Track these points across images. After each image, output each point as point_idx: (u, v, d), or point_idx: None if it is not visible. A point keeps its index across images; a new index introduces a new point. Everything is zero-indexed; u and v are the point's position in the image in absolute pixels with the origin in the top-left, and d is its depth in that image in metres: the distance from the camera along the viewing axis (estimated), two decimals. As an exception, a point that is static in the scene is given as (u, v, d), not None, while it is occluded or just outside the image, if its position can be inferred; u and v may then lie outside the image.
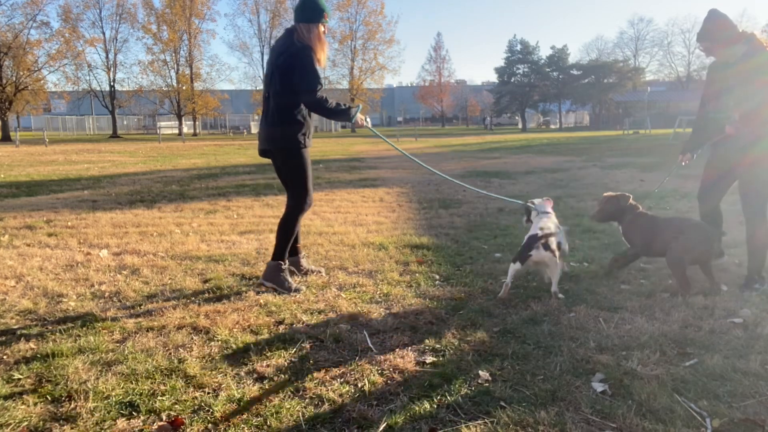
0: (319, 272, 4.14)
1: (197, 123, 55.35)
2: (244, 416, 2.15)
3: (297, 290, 3.71)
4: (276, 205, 7.44)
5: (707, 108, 3.84)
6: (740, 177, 3.68)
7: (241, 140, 35.79)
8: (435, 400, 2.27)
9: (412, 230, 5.65)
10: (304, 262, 4.14)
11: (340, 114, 3.72)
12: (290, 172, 3.81)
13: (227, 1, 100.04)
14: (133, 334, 2.97)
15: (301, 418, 2.14)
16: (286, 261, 3.84)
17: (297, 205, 3.82)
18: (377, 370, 2.53)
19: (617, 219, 3.97)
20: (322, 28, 3.75)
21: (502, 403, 2.22)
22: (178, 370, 2.53)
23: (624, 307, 3.31)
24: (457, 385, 2.37)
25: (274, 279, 3.74)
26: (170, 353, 2.73)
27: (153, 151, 22.91)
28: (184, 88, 48.74)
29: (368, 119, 3.97)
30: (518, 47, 63.61)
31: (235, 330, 3.02)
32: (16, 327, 3.09)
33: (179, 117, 49.68)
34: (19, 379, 2.46)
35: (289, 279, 3.79)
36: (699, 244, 3.51)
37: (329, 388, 2.37)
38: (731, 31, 3.49)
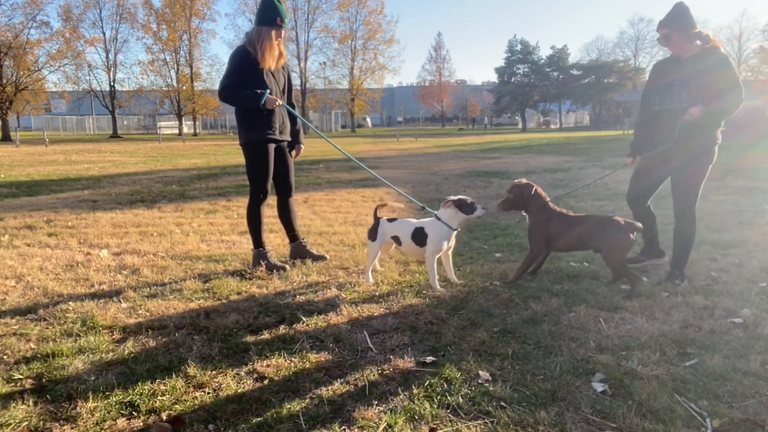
0: (323, 257, 4.51)
1: (197, 123, 55.34)
2: (244, 416, 2.15)
3: (282, 268, 4.16)
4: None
5: (652, 101, 3.82)
6: (673, 175, 3.79)
7: (241, 140, 35.70)
8: (435, 400, 2.27)
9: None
10: (306, 246, 4.57)
11: (250, 101, 3.95)
12: (246, 169, 4.23)
13: (227, 1, 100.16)
14: (133, 334, 2.97)
15: (301, 418, 2.14)
16: (265, 246, 4.30)
17: (250, 197, 4.27)
18: (377, 370, 2.53)
19: (523, 209, 3.91)
20: (274, 33, 4.00)
21: (502, 403, 2.22)
22: (178, 370, 2.53)
23: (624, 307, 3.31)
24: (457, 385, 2.37)
25: (257, 264, 4.23)
26: (170, 353, 2.73)
27: (153, 151, 22.91)
28: (184, 88, 48.72)
29: (281, 102, 4.13)
30: (518, 47, 63.63)
31: (235, 330, 3.02)
32: (16, 327, 3.09)
33: (179, 117, 49.67)
34: (19, 379, 2.46)
35: (271, 260, 4.26)
36: (628, 240, 3.59)
37: (329, 388, 2.37)
38: (692, 25, 3.59)
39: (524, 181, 3.96)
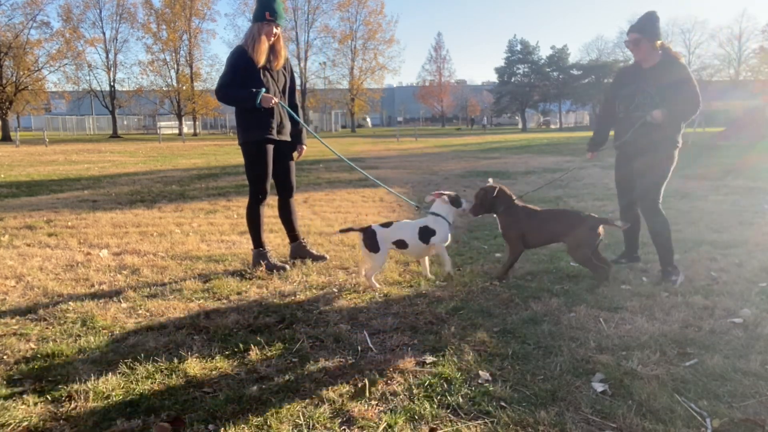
0: (323, 257, 4.51)
1: (197, 123, 55.33)
2: (244, 416, 2.15)
3: (282, 268, 4.16)
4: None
5: (616, 108, 4.00)
6: (637, 176, 3.93)
7: (241, 140, 35.69)
8: (435, 400, 2.27)
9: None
10: (306, 246, 4.58)
11: (246, 100, 3.93)
12: (245, 169, 4.23)
13: (227, 1, 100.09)
14: (133, 334, 2.97)
15: (301, 418, 2.14)
16: (264, 246, 4.30)
17: (250, 197, 4.27)
18: (377, 370, 2.53)
19: (491, 211, 3.93)
20: (265, 28, 3.97)
21: (502, 403, 2.22)
22: (178, 370, 2.53)
23: (624, 307, 3.31)
24: (457, 385, 2.37)
25: (257, 264, 4.21)
26: (170, 353, 2.73)
27: (153, 151, 22.92)
28: (184, 88, 48.73)
29: (277, 100, 4.08)
30: (518, 47, 63.57)
31: (235, 330, 3.02)
32: (16, 327, 3.09)
33: (179, 117, 49.68)
34: (19, 379, 2.46)
35: (271, 260, 4.26)
36: (594, 236, 3.66)
37: (329, 388, 2.37)
38: (659, 35, 3.80)
39: (488, 185, 3.98)
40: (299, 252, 4.50)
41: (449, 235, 3.89)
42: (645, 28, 3.76)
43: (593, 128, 4.35)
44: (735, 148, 17.43)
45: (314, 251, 4.58)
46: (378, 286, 3.81)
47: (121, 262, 4.50)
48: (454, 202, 3.89)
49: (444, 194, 3.90)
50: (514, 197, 3.92)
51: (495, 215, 3.97)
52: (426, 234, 3.78)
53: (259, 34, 3.96)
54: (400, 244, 3.78)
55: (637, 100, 3.84)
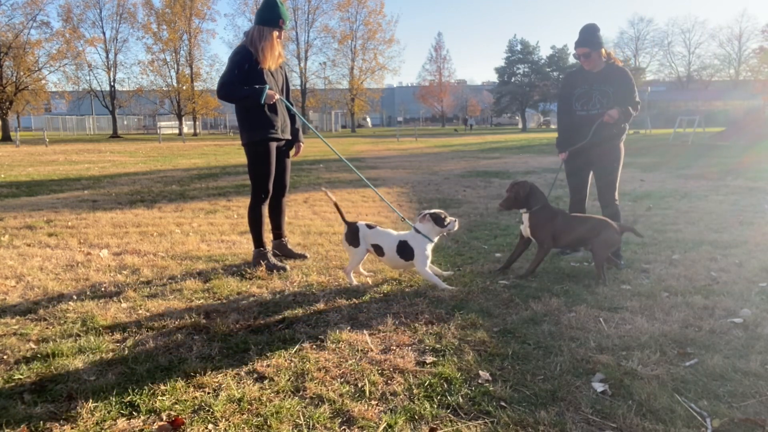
0: (304, 256, 4.55)
1: (197, 123, 55.32)
2: (244, 416, 2.15)
3: (282, 268, 4.14)
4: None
5: (574, 107, 4.34)
6: (599, 177, 4.35)
7: (241, 140, 35.70)
8: (435, 400, 2.27)
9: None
10: (287, 245, 4.62)
11: (250, 97, 3.94)
12: (248, 168, 4.24)
13: (227, 1, 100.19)
14: (133, 334, 2.97)
15: (301, 418, 2.14)
16: (265, 246, 4.29)
17: (252, 197, 4.27)
18: (377, 370, 2.53)
19: (523, 206, 4.00)
20: (276, 33, 4.01)
21: (502, 403, 2.22)
22: (178, 370, 2.53)
23: (624, 307, 3.31)
24: (457, 385, 2.37)
25: (257, 264, 4.20)
26: (170, 353, 2.73)
27: (153, 151, 22.91)
28: (184, 87, 48.71)
29: (282, 97, 4.21)
30: (518, 47, 63.58)
31: (235, 330, 3.02)
32: (16, 327, 3.09)
33: (179, 117, 49.67)
34: (19, 379, 2.46)
35: (272, 260, 4.23)
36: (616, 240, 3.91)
37: (329, 388, 2.37)
38: (602, 44, 4.19)
39: (520, 179, 4.12)
40: (280, 250, 4.56)
41: (427, 256, 3.72)
42: (592, 41, 4.11)
43: (558, 130, 4.61)
44: (735, 148, 17.44)
45: (295, 251, 4.62)
46: (355, 282, 3.84)
47: (121, 262, 4.50)
48: (437, 221, 3.75)
49: (427, 213, 3.78)
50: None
51: (522, 211, 4.03)
52: (405, 250, 3.71)
53: (271, 38, 3.99)
54: (378, 249, 3.80)
55: (594, 98, 4.21)
